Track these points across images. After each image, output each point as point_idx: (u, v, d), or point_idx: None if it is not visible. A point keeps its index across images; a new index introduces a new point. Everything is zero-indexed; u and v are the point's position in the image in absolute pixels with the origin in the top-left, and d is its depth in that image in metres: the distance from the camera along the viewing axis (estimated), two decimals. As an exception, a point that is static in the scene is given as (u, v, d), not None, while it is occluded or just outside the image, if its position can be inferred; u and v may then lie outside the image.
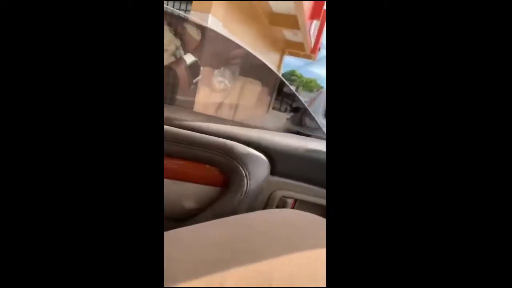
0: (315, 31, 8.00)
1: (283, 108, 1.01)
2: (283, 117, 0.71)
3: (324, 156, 0.53)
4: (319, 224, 0.31)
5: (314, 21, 6.64)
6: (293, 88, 1.02)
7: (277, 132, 0.61)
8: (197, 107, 0.70)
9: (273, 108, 0.96)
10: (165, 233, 0.27)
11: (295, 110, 0.78)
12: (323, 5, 6.01)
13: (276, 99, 0.94)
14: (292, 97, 0.98)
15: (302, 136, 0.63)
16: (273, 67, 0.81)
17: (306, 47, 8.23)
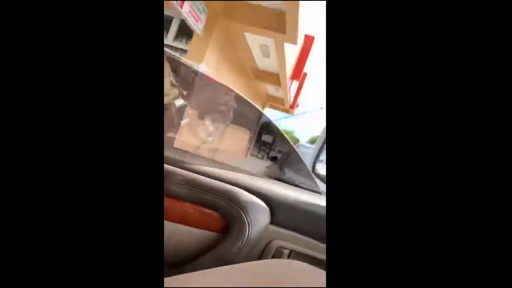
0: (294, 89, 8.73)
1: (260, 155, 1.06)
2: (261, 165, 0.75)
3: (319, 210, 0.55)
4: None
5: (294, 81, 7.31)
6: (271, 137, 1.08)
7: (275, 181, 0.63)
8: (176, 144, 0.71)
9: (251, 154, 0.99)
10: (169, 279, 0.26)
11: (273, 159, 0.82)
12: (303, 67, 6.70)
13: (254, 145, 0.98)
14: (270, 145, 1.04)
15: (298, 188, 0.65)
16: (254, 117, 0.88)
17: (286, 103, 8.87)
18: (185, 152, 0.63)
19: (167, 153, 0.54)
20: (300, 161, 0.70)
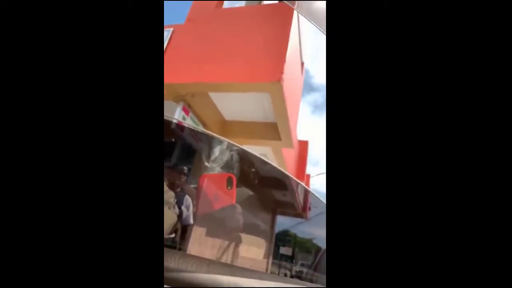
0: (302, 192, 8.79)
1: (282, 272, 0.92)
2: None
3: None
4: None
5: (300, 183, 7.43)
6: (289, 249, 0.98)
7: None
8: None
9: (271, 272, 0.88)
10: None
11: (298, 274, 0.72)
12: (305, 169, 6.95)
13: (272, 262, 0.88)
14: (291, 258, 0.93)
15: None
16: (267, 226, 0.83)
17: (296, 206, 8.71)
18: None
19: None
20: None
